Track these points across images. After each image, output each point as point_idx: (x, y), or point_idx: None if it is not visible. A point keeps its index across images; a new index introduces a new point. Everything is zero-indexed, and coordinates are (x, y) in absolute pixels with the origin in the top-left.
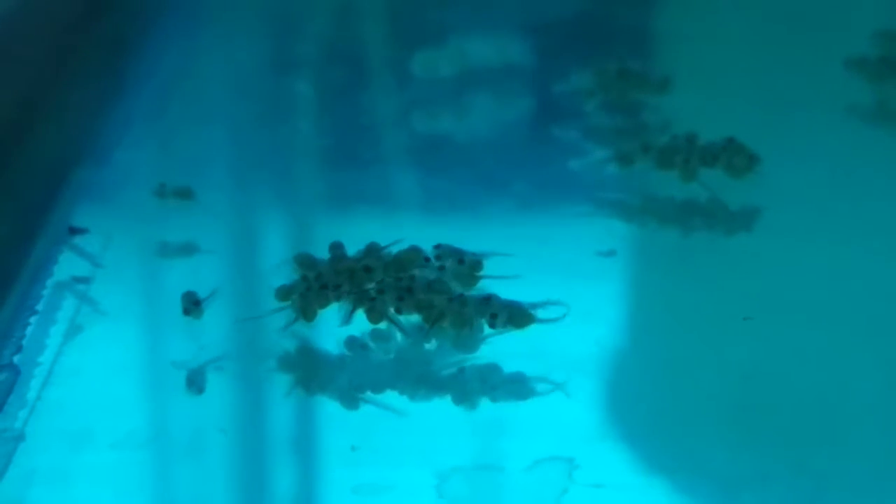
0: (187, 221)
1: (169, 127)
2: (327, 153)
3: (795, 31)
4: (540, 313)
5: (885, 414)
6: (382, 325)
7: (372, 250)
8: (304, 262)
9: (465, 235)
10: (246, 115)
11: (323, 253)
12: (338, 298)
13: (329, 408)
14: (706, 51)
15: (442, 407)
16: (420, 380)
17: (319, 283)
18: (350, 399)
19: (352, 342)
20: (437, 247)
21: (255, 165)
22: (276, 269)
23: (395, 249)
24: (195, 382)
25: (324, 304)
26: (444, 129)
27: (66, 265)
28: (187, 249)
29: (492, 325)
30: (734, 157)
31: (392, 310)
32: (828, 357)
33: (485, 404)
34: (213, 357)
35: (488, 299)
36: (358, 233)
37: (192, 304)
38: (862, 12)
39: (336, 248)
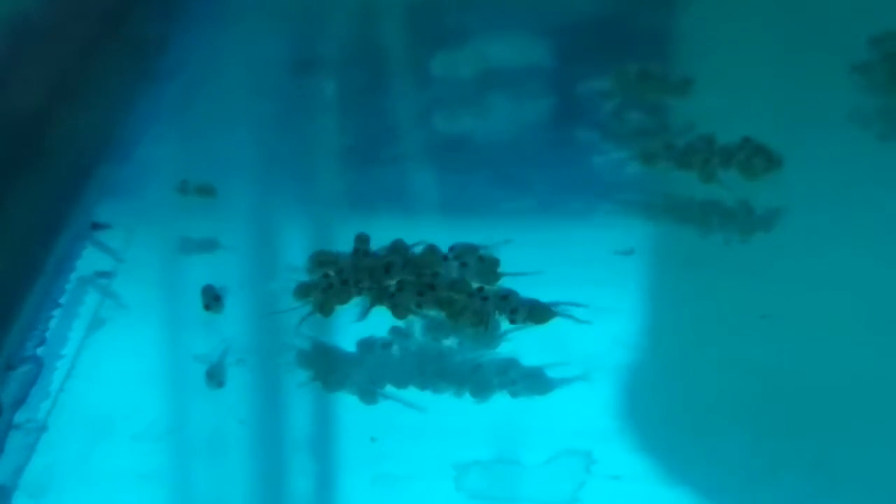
0: (209, 218)
1: (192, 124)
2: (348, 153)
3: (816, 32)
4: (559, 310)
5: None
6: (402, 323)
7: (395, 248)
8: (325, 259)
9: (484, 234)
10: (268, 114)
11: (343, 250)
12: (359, 293)
13: (349, 401)
14: (727, 52)
15: (461, 401)
16: (439, 374)
17: (340, 278)
18: (369, 393)
19: (372, 338)
20: (452, 248)
21: (277, 163)
22: (297, 270)
23: (415, 250)
24: (216, 376)
25: (344, 301)
26: (464, 129)
27: (89, 260)
28: (209, 245)
29: (512, 321)
30: (753, 158)
31: (413, 305)
32: (845, 356)
33: (503, 398)
34: (234, 351)
35: (508, 295)
36: (378, 232)
37: (213, 299)
38: (886, 14)
39: (361, 240)
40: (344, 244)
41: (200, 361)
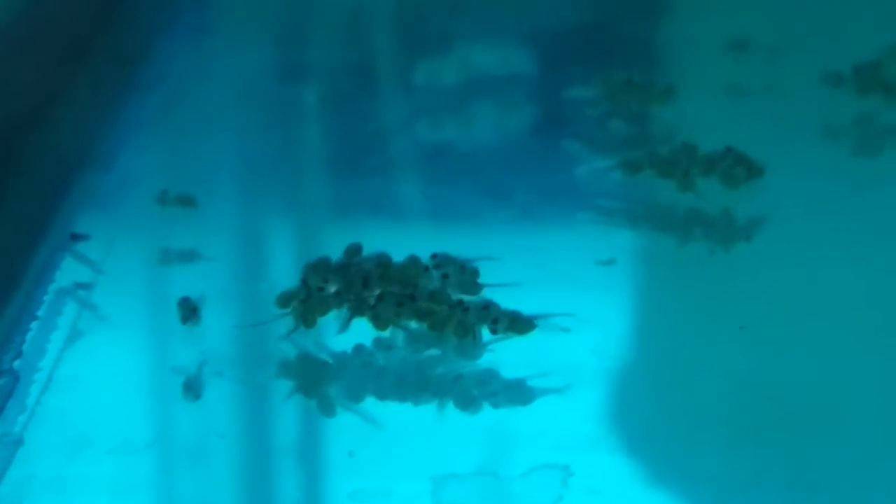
0: (190, 228)
1: (174, 134)
2: (331, 161)
3: (801, 41)
4: (539, 321)
5: (880, 422)
6: (385, 333)
7: (378, 261)
8: (307, 269)
9: (467, 243)
10: (251, 123)
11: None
12: (338, 305)
13: (328, 414)
14: (711, 61)
15: (442, 413)
16: (419, 386)
17: (318, 286)
18: (349, 405)
19: (352, 349)
20: (434, 256)
21: (259, 173)
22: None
23: (397, 261)
24: (194, 388)
25: (324, 312)
26: (448, 137)
27: (68, 271)
28: (189, 256)
29: (493, 332)
30: (735, 167)
31: (393, 316)
32: (824, 366)
33: (482, 411)
34: (214, 363)
35: (489, 306)
36: (360, 240)
37: (190, 311)
38: (871, 23)
39: (350, 253)
40: (326, 252)
41: (179, 373)
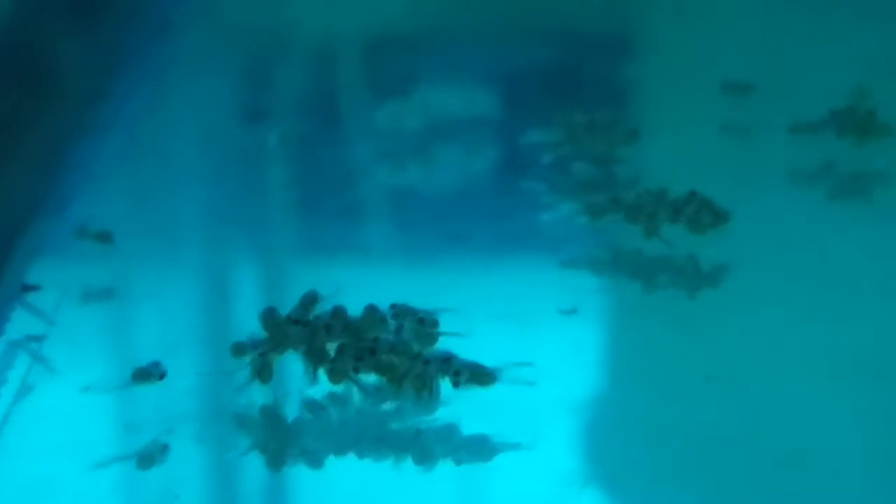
0: (147, 275)
1: (131, 178)
2: (292, 204)
3: (769, 84)
4: (500, 373)
5: (851, 471)
6: (340, 388)
7: (334, 313)
8: (264, 319)
9: (428, 288)
10: (211, 166)
11: (287, 304)
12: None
13: (287, 470)
14: (675, 103)
15: (402, 467)
16: (379, 441)
17: (277, 341)
18: (309, 461)
19: (311, 404)
20: (393, 306)
21: (220, 217)
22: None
23: (353, 309)
24: (151, 445)
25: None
26: (409, 180)
27: (19, 323)
28: (145, 305)
29: (455, 384)
30: (700, 212)
31: (351, 370)
32: (793, 415)
33: (445, 465)
34: (168, 420)
35: (450, 358)
36: (321, 284)
37: (154, 367)
38: (840, 66)
39: (304, 305)
40: (287, 297)
41: (133, 430)
